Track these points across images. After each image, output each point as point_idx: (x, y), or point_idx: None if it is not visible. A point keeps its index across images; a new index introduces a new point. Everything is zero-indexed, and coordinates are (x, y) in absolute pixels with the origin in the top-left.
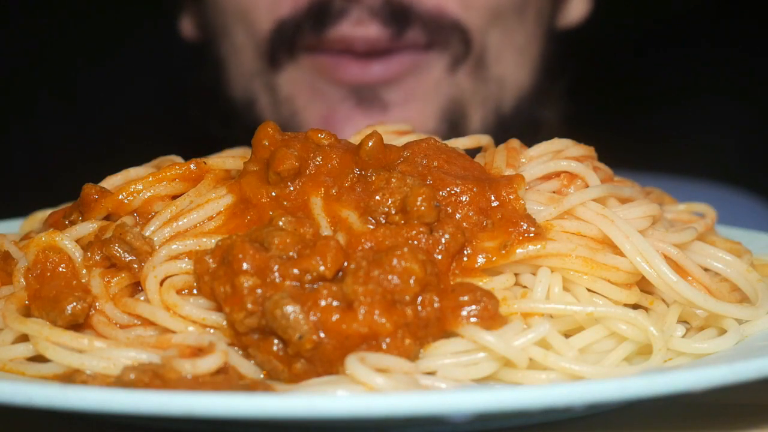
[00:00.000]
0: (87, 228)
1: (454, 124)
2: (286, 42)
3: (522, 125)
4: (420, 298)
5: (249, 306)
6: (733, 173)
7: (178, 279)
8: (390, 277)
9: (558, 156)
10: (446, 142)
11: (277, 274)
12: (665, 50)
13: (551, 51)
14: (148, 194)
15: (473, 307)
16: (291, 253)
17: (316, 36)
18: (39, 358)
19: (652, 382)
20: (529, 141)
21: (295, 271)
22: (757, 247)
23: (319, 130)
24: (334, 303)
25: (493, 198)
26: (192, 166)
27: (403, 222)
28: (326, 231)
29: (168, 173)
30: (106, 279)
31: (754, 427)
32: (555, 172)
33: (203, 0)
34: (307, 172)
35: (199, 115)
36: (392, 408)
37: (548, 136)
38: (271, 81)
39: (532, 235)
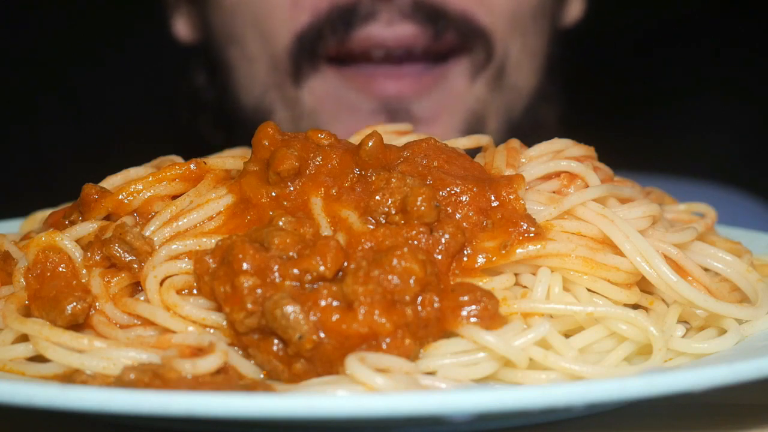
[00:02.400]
0: (87, 228)
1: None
2: (307, 53)
3: (531, 127)
4: (420, 298)
5: (249, 306)
6: (733, 173)
7: (178, 279)
8: (390, 277)
9: (558, 156)
10: (446, 142)
11: (277, 274)
12: (665, 50)
13: (557, 52)
14: (148, 194)
15: (473, 307)
16: (291, 253)
17: (339, 42)
18: (39, 358)
19: (652, 382)
20: (539, 141)
21: (295, 271)
22: (757, 247)
23: (319, 130)
24: (334, 303)
25: (493, 198)
26: (192, 166)
27: (403, 222)
28: (326, 231)
29: (168, 173)
30: (106, 279)
31: (754, 427)
32: (555, 172)
33: (208, 2)
34: (307, 172)
35: (192, 115)
36: (392, 408)
37: (557, 135)
38: (292, 94)
39: (532, 235)
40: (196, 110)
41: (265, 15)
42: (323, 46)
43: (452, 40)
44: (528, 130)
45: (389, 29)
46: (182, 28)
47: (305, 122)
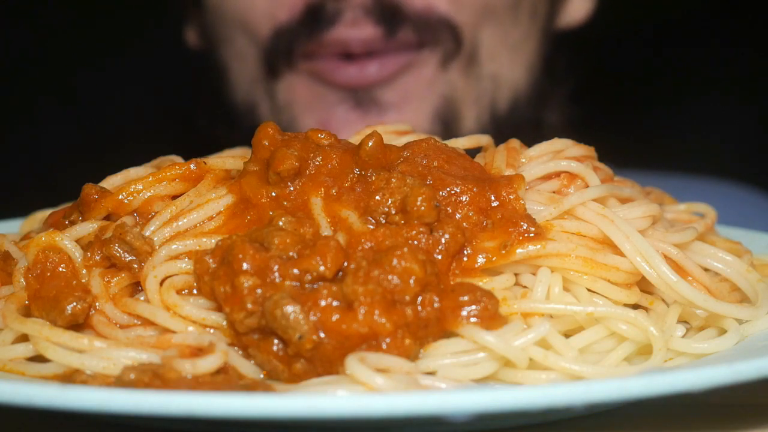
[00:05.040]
0: (87, 228)
1: (447, 124)
2: (284, 50)
3: (519, 125)
4: (420, 298)
5: (249, 306)
6: (740, 170)
7: (178, 279)
8: (390, 277)
9: (558, 156)
10: (446, 142)
11: (277, 274)
12: (666, 49)
13: (550, 51)
14: (148, 194)
15: (473, 307)
16: (291, 253)
17: (312, 41)
18: (39, 358)
19: (652, 382)
20: (527, 141)
21: (295, 271)
22: (757, 247)
23: (319, 130)
24: (334, 303)
25: (493, 198)
26: (192, 166)
27: (403, 222)
28: (326, 231)
29: (168, 173)
30: (106, 279)
31: (754, 427)
32: (555, 172)
33: (204, 8)
34: (307, 172)
35: (203, 120)
36: (392, 408)
37: (547, 137)
38: (271, 88)
39: (532, 235)
40: (198, 113)
41: (247, 13)
42: (299, 45)
43: (409, 39)
44: (523, 128)
45: (353, 30)
46: (191, 35)
47: (282, 114)
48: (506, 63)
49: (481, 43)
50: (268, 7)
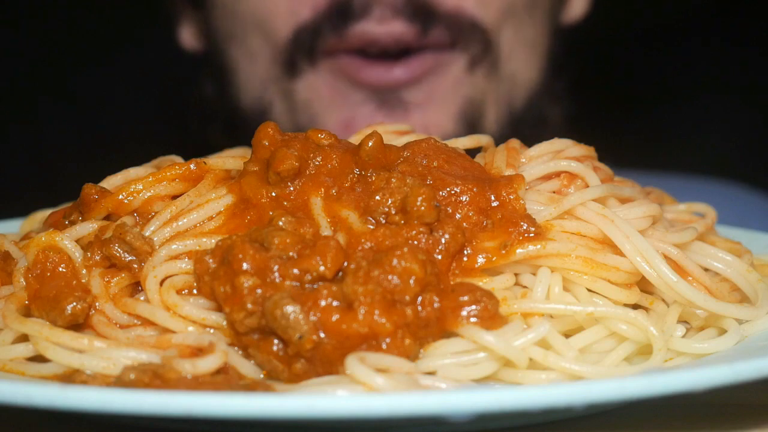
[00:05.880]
0: (87, 228)
1: (471, 124)
2: (306, 48)
3: (533, 122)
4: (420, 298)
5: (249, 306)
6: (740, 170)
7: (178, 279)
8: (390, 277)
9: (558, 156)
10: (446, 142)
11: (277, 274)
12: (666, 49)
13: (557, 48)
14: (148, 194)
15: (473, 307)
16: (291, 253)
17: (337, 37)
18: (39, 358)
19: (652, 382)
20: (540, 138)
21: (295, 271)
22: (757, 247)
23: (319, 130)
24: (334, 303)
25: (493, 198)
26: (192, 166)
27: (403, 222)
28: (326, 231)
29: (168, 173)
30: (106, 279)
31: (754, 427)
32: (555, 172)
33: (209, 8)
34: (307, 172)
35: (202, 124)
36: (392, 408)
37: (558, 134)
38: (289, 87)
39: (532, 235)
40: (198, 116)
41: (266, 11)
42: (321, 42)
43: (441, 37)
44: (533, 125)
45: (381, 26)
46: (187, 36)
47: (300, 113)
48: (523, 61)
49: (502, 44)
50: (289, 4)
